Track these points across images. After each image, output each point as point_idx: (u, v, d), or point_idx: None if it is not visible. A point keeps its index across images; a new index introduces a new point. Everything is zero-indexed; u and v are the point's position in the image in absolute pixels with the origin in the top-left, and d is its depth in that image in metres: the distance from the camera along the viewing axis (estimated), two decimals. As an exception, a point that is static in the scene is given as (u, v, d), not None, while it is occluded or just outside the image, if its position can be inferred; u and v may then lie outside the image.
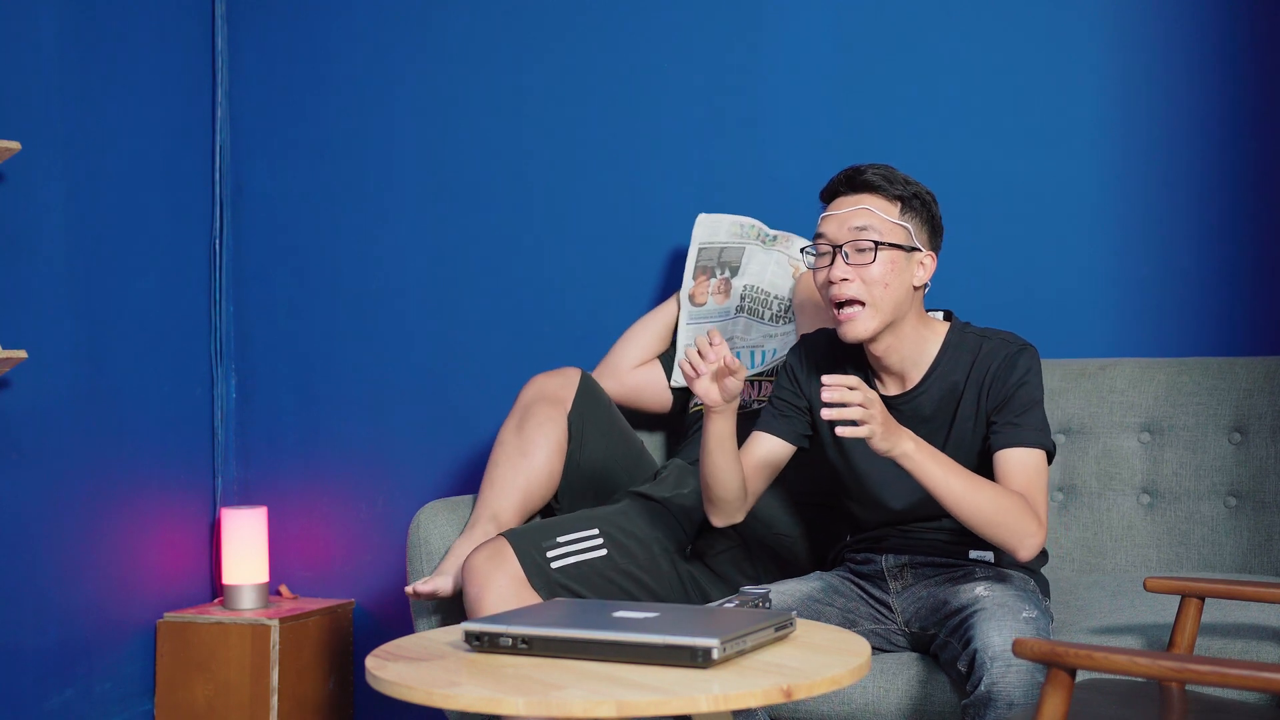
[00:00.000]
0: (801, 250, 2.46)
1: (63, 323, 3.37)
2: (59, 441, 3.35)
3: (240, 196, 3.83)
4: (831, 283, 2.35)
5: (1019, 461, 2.30)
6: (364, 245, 3.75)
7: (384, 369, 3.73)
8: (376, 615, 3.72)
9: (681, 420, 3.20)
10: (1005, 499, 2.25)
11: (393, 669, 1.86)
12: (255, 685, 3.43)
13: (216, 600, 3.70)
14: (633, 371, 3.22)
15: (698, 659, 1.82)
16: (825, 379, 2.13)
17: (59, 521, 3.35)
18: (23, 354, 3.08)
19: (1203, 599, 2.31)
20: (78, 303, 3.41)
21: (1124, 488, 3.01)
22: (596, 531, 2.70)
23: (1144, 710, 2.10)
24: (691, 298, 3.20)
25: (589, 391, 2.99)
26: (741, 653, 1.88)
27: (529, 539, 2.65)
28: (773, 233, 3.23)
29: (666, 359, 3.23)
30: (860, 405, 2.13)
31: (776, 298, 3.13)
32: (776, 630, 1.97)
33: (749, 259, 3.19)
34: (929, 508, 2.41)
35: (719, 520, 2.51)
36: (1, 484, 3.21)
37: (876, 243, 2.33)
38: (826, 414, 2.13)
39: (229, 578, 3.58)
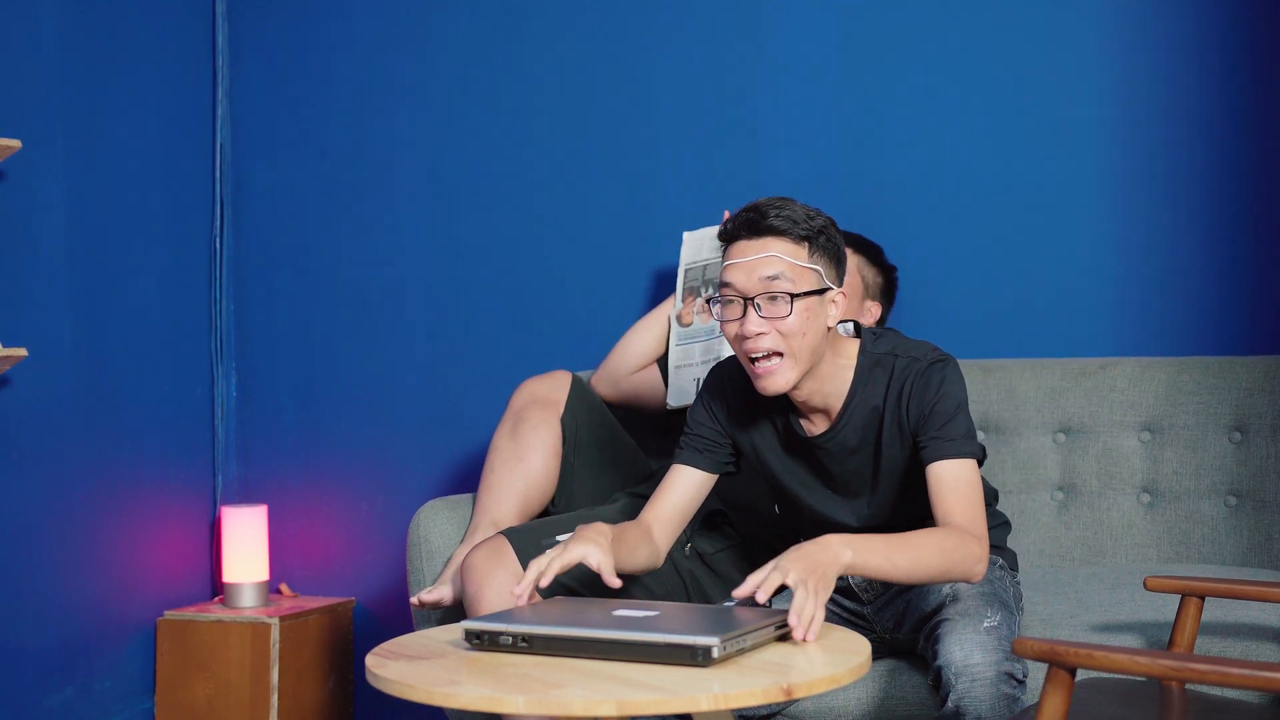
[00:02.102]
0: (708, 300, 2.29)
1: (63, 321, 3.37)
2: (59, 440, 3.35)
3: (240, 195, 3.83)
4: (745, 337, 2.21)
5: (951, 475, 2.23)
6: (364, 244, 3.74)
7: (384, 368, 3.73)
8: (376, 614, 3.72)
9: (679, 420, 3.20)
10: (945, 541, 2.16)
11: (393, 667, 1.86)
12: (255, 684, 3.43)
13: (217, 599, 3.70)
14: (631, 375, 3.21)
15: (698, 658, 1.82)
16: (737, 602, 2.03)
17: (59, 521, 3.35)
18: (23, 352, 3.08)
19: (1203, 598, 2.31)
20: (78, 301, 3.41)
21: (1124, 487, 3.01)
22: (596, 530, 2.70)
23: (1144, 710, 2.10)
24: (679, 318, 3.18)
25: (580, 394, 2.99)
26: (741, 651, 1.88)
27: (528, 537, 2.65)
28: None
29: (664, 362, 3.22)
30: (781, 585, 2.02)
31: None
32: (777, 629, 1.97)
33: None
34: (880, 520, 2.36)
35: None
36: (1, 483, 3.21)
37: (792, 295, 2.19)
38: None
39: (229, 576, 3.58)
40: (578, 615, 2.01)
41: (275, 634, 3.43)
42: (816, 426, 2.35)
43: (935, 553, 2.15)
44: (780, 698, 1.73)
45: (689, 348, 3.13)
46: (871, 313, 3.15)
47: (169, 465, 3.66)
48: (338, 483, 3.76)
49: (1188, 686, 2.21)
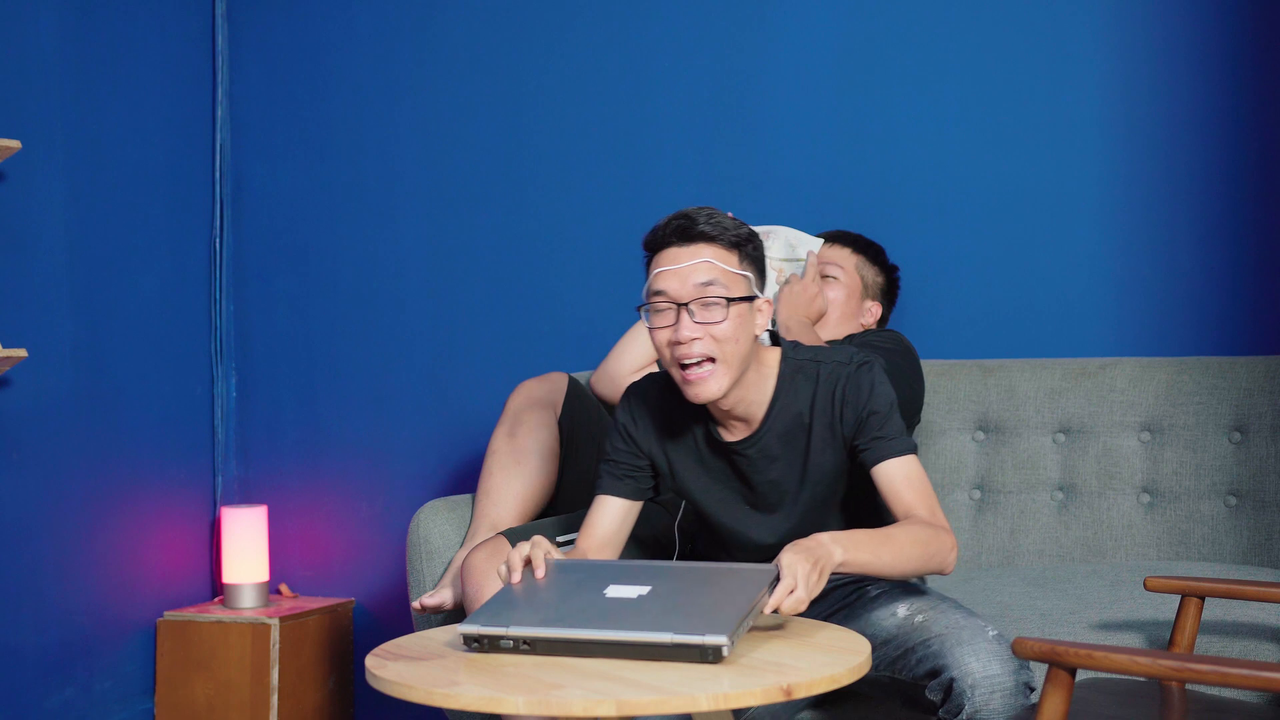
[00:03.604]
0: (637, 308, 2.28)
1: (63, 322, 3.37)
2: (59, 441, 3.35)
3: (240, 196, 3.83)
4: (679, 342, 2.19)
5: (901, 472, 2.23)
6: (364, 244, 3.75)
7: (384, 368, 3.73)
8: (376, 614, 3.72)
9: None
10: (921, 534, 2.17)
11: (392, 668, 1.86)
12: (255, 684, 3.43)
13: (217, 599, 3.70)
14: (630, 376, 3.21)
15: (708, 656, 1.82)
16: (777, 608, 1.98)
17: (59, 521, 3.35)
18: (23, 353, 3.08)
19: (1203, 598, 2.31)
20: (78, 302, 3.41)
21: (1124, 487, 3.01)
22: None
23: (1144, 709, 2.10)
24: None
25: (577, 395, 2.99)
26: (747, 631, 1.88)
27: (528, 538, 2.64)
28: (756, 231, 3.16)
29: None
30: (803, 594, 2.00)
31: None
32: (770, 590, 1.94)
33: None
34: (797, 537, 2.29)
35: None
36: (1, 483, 3.21)
37: (727, 299, 2.19)
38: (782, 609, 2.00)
39: (229, 576, 3.58)
40: (573, 604, 1.97)
41: (275, 634, 3.43)
42: (738, 434, 2.33)
43: (914, 545, 2.15)
44: (780, 697, 1.73)
45: None
46: (872, 313, 3.15)
47: (169, 465, 3.66)
48: (338, 483, 3.76)
49: (1188, 686, 2.21)
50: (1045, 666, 2.20)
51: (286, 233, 3.80)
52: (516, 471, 2.88)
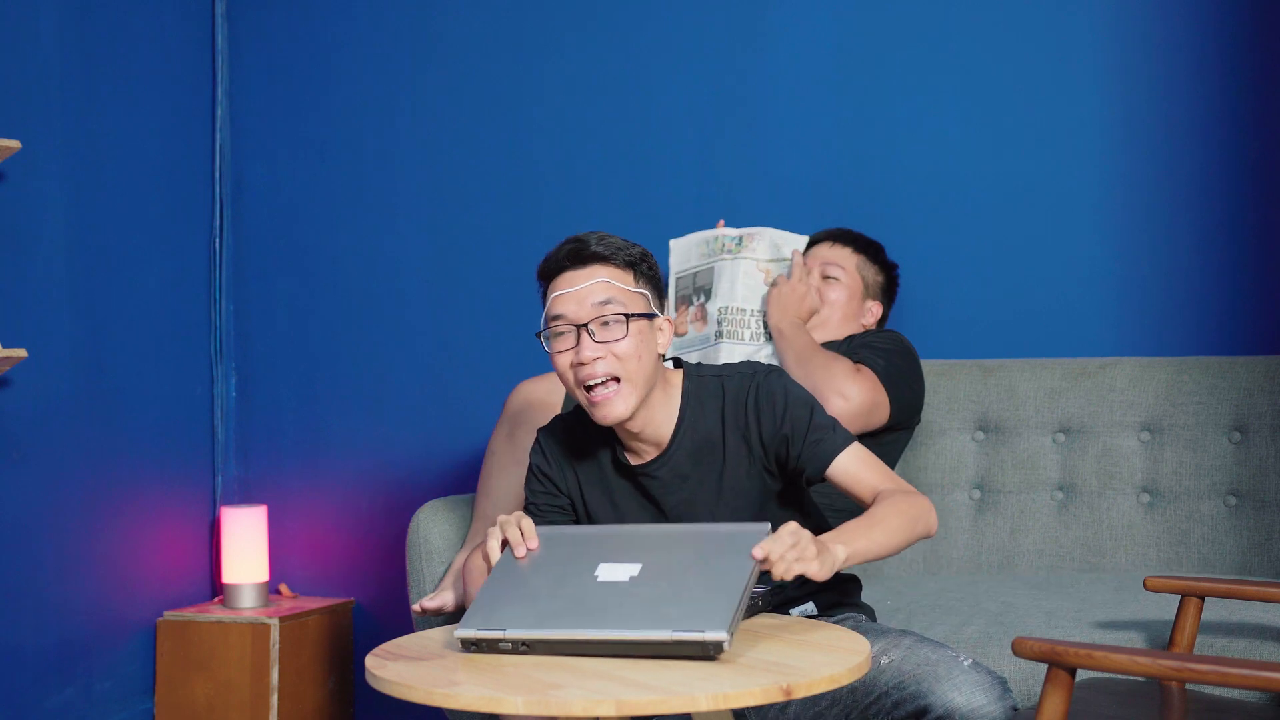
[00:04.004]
0: (536, 335, 2.26)
1: (63, 322, 3.37)
2: (59, 441, 3.35)
3: (240, 196, 3.83)
4: (582, 364, 2.18)
5: (853, 461, 2.20)
6: (364, 244, 3.75)
7: (384, 368, 3.73)
8: (376, 614, 3.72)
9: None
10: (900, 503, 2.14)
11: (392, 668, 1.86)
12: (255, 684, 3.43)
13: (216, 599, 3.70)
14: None
15: (709, 652, 1.82)
16: (760, 556, 1.95)
17: (59, 521, 3.35)
18: (23, 353, 3.08)
19: (1203, 598, 2.31)
20: (78, 302, 3.41)
21: (1124, 487, 3.01)
22: (595, 530, 2.70)
23: (1144, 709, 2.10)
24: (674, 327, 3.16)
25: None
26: (745, 617, 1.86)
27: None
28: (737, 234, 3.14)
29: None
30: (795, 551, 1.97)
31: (753, 313, 3.09)
32: (760, 564, 1.94)
33: (718, 278, 3.11)
34: None
35: None
36: (1, 484, 3.21)
37: (627, 315, 2.18)
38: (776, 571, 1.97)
39: (229, 576, 3.58)
40: (567, 596, 1.95)
41: (275, 634, 3.43)
42: (647, 457, 2.29)
43: (899, 517, 2.12)
44: (780, 697, 1.73)
45: (685, 356, 3.12)
46: (873, 312, 3.15)
47: (169, 465, 3.66)
48: (338, 483, 3.76)
49: (1188, 686, 2.21)
50: (1033, 676, 2.22)
51: (286, 233, 3.80)
52: (516, 472, 2.88)
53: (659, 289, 2.28)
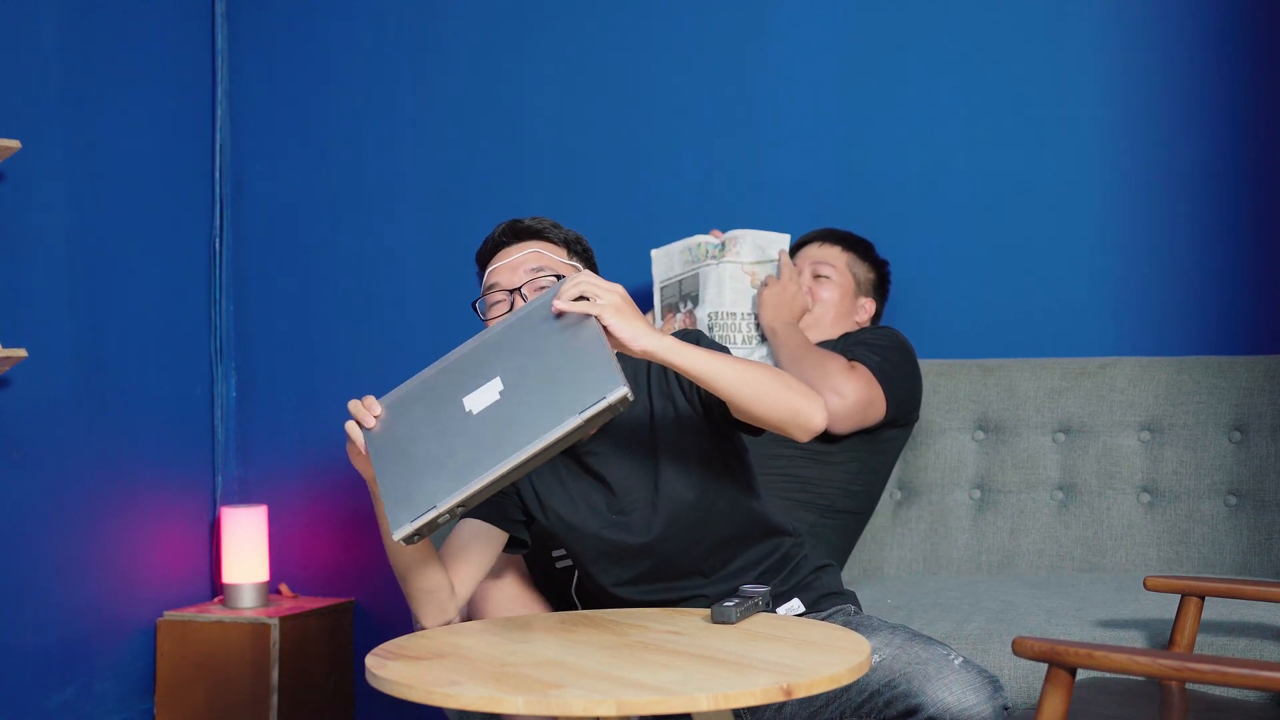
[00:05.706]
0: (472, 305, 2.28)
1: (63, 322, 3.37)
2: (59, 441, 3.35)
3: (240, 196, 3.83)
4: None
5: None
6: (364, 244, 3.75)
7: (384, 368, 3.72)
8: (376, 614, 3.72)
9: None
10: (785, 375, 2.10)
11: (392, 668, 1.86)
12: (255, 684, 3.43)
13: (217, 599, 3.70)
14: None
15: (618, 409, 1.84)
16: (565, 306, 1.97)
17: (59, 521, 3.35)
18: (23, 353, 3.08)
19: (1203, 598, 2.31)
20: (78, 302, 3.41)
21: (1124, 487, 3.01)
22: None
23: (1144, 709, 2.10)
24: None
25: None
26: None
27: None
28: (720, 239, 3.14)
29: None
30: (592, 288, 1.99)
31: (743, 315, 3.09)
32: (587, 317, 1.95)
33: (704, 284, 3.12)
34: (672, 536, 2.20)
35: (430, 619, 2.21)
36: (1, 484, 3.21)
37: (558, 276, 2.22)
38: (561, 306, 1.98)
39: (229, 576, 3.58)
40: (463, 441, 1.90)
41: (275, 634, 3.43)
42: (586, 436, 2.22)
43: (769, 377, 2.06)
44: (780, 697, 1.73)
45: None
46: (866, 309, 3.15)
47: (169, 465, 3.66)
48: (338, 483, 3.76)
49: (1188, 686, 2.21)
50: (1023, 680, 2.22)
51: (286, 233, 3.80)
52: None
53: (593, 267, 2.35)
